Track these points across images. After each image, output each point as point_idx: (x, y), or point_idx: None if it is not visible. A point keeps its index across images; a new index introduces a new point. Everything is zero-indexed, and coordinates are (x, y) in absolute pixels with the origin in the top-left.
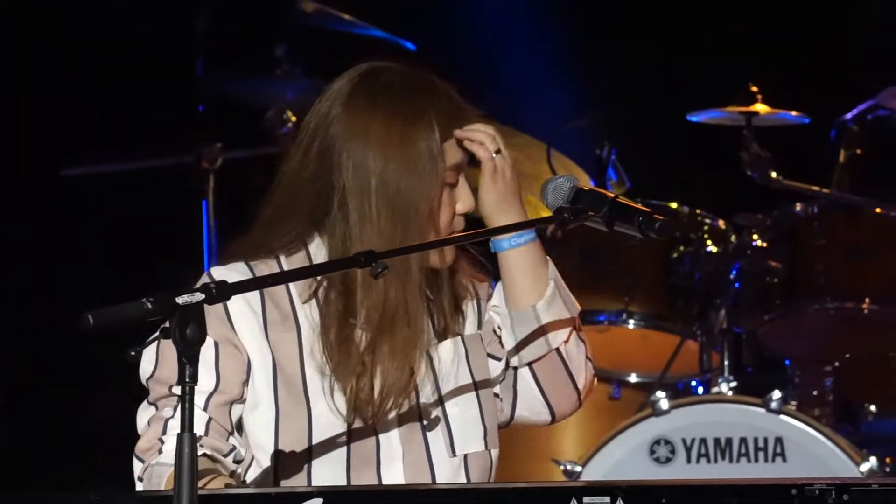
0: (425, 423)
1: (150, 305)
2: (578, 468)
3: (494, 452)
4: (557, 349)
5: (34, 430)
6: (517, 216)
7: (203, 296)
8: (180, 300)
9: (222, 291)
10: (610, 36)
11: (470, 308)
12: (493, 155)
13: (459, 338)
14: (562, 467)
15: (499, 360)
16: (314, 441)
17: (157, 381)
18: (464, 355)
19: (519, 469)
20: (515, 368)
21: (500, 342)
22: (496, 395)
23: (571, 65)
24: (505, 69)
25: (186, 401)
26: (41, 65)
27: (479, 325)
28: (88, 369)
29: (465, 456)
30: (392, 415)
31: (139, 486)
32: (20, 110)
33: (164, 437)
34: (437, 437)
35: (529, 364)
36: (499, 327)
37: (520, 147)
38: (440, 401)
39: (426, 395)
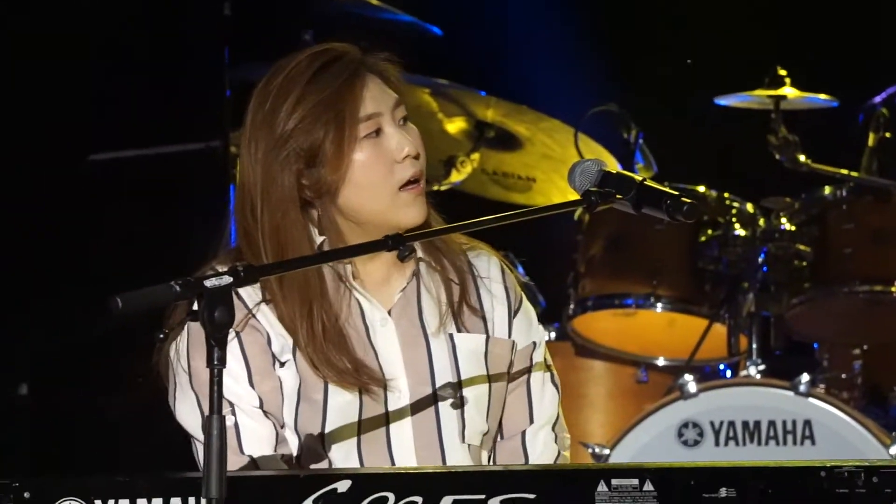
0: (440, 405)
1: (178, 288)
2: (606, 451)
3: (486, 455)
4: None
5: (58, 423)
6: None
7: (231, 279)
8: (209, 283)
9: (250, 274)
10: (638, 19)
11: (470, 283)
12: None
13: (484, 337)
14: (590, 450)
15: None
16: (328, 418)
17: None
18: (483, 354)
19: None
20: None
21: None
22: None
23: (599, 48)
24: (532, 54)
25: (215, 383)
26: (68, 52)
27: (481, 306)
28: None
29: (469, 447)
30: (404, 393)
31: None
32: (48, 96)
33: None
34: (450, 421)
35: None
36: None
37: (547, 131)
38: (459, 386)
39: (444, 378)
